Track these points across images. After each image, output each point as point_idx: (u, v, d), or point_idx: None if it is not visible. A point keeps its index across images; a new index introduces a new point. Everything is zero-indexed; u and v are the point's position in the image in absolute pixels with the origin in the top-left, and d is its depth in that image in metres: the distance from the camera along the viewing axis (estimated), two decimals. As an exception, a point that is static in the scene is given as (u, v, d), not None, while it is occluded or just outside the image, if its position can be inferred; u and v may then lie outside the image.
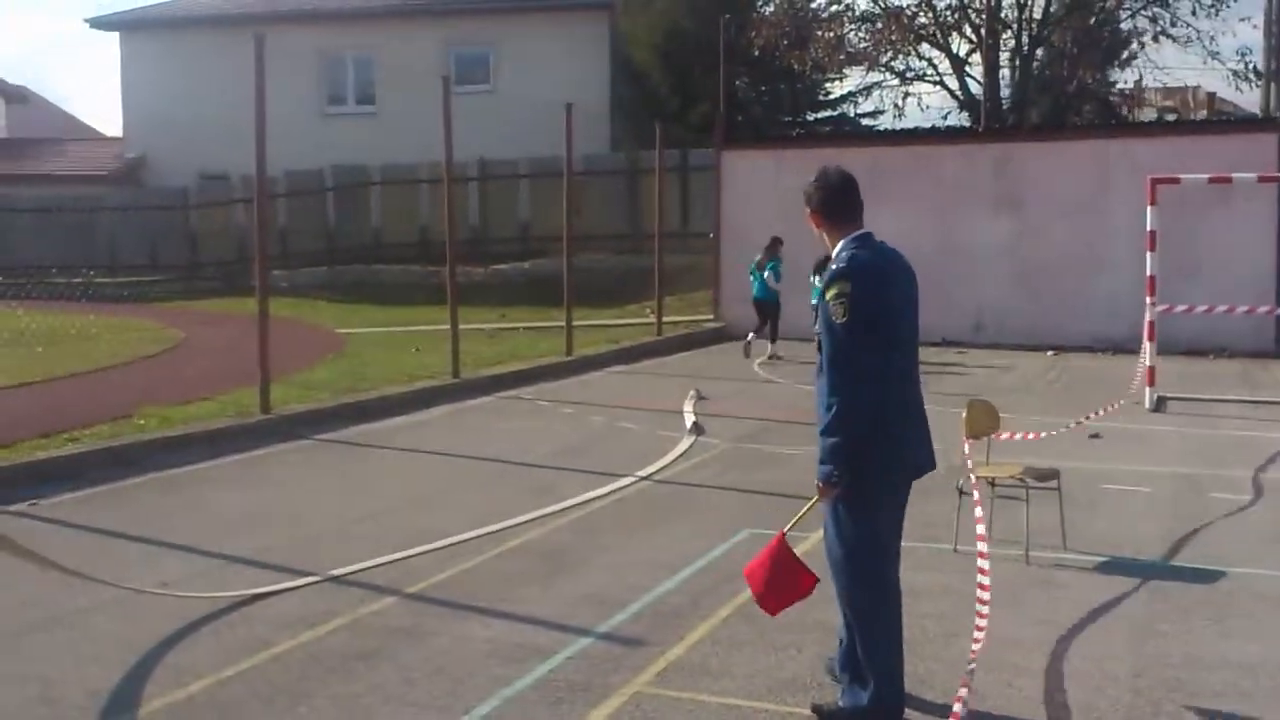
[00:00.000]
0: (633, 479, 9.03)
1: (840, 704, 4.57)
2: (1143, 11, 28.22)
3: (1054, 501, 7.06)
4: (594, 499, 8.36)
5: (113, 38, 32.84)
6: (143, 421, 10.79)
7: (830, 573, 4.54)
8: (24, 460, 9.01)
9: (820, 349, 4.38)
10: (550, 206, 26.88)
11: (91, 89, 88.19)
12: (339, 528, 7.62)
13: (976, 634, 4.12)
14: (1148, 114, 34.72)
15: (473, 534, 7.34)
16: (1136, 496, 8.40)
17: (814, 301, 15.81)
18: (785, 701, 4.72)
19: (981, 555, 4.64)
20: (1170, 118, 33.65)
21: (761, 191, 21.28)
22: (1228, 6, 27.56)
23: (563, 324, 17.73)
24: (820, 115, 32.76)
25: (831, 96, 32.87)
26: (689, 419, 11.79)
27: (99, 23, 32.84)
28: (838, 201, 4.49)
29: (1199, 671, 5.01)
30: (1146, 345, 12.37)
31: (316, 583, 6.34)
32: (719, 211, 21.77)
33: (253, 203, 29.70)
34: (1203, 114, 36.49)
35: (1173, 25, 27.55)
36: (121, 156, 33.32)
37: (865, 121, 32.06)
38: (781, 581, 4.57)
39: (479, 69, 29.75)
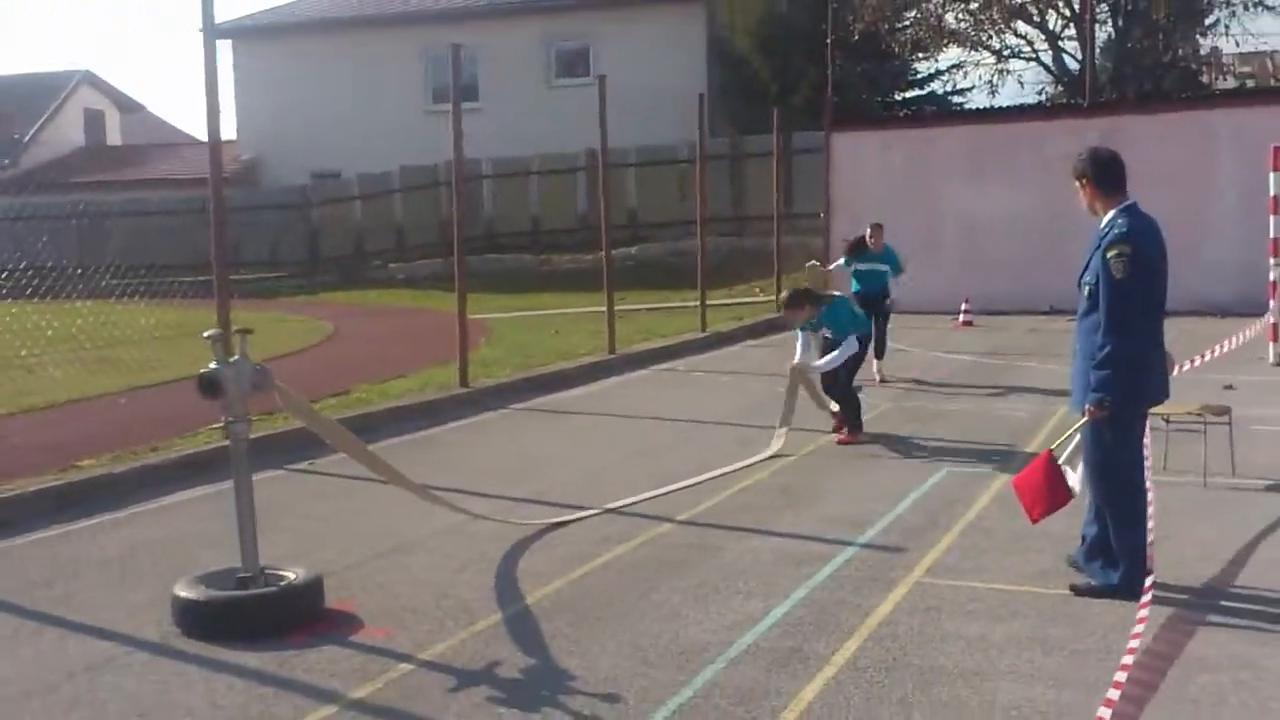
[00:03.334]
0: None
1: (1093, 583, 5.64)
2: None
3: (1217, 437, 8.07)
4: (799, 451, 9.48)
5: (225, 45, 34.38)
6: (361, 395, 12.07)
7: (1090, 479, 5.63)
8: (290, 428, 10.25)
9: (1089, 297, 5.44)
10: (656, 193, 28.08)
11: (189, 96, 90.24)
12: (587, 475, 8.78)
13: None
14: (1226, 81, 35.01)
15: (708, 475, 8.49)
16: (1286, 434, 9.39)
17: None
18: (1045, 585, 5.80)
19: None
20: (1249, 84, 33.97)
21: (870, 170, 22.27)
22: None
23: (678, 305, 19.02)
24: (909, 95, 33.53)
25: (919, 75, 33.63)
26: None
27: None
28: (1110, 174, 5.49)
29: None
30: (1272, 304, 13.25)
31: (601, 514, 7.50)
32: (829, 191, 22.76)
33: (367, 200, 31.17)
34: (1281, 80, 36.69)
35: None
36: (237, 159, 34.93)
37: (955, 99, 32.80)
38: (1048, 492, 5.65)
39: (579, 62, 30.94)
